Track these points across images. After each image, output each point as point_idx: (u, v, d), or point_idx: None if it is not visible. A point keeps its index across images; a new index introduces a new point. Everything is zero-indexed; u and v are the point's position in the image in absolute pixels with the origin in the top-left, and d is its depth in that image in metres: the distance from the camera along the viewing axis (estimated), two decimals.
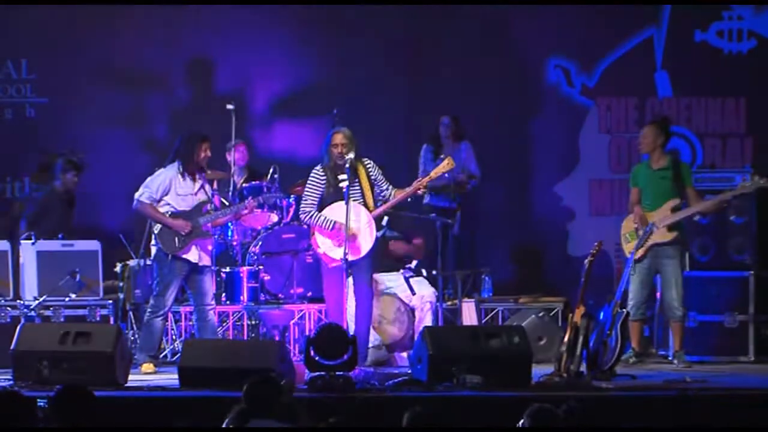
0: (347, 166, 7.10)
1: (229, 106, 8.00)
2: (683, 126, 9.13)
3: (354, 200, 7.11)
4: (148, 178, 7.25)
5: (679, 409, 6.09)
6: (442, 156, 8.28)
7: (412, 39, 9.38)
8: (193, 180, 7.14)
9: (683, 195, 7.63)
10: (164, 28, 9.31)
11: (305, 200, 7.31)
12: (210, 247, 7.40)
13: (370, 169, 7.25)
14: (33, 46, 9.33)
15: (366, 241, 7.21)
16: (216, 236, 7.76)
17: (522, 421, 4.28)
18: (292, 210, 8.13)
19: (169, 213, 7.12)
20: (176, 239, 7.09)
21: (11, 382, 6.30)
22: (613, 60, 9.38)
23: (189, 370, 6.50)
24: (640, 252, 7.43)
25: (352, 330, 7.15)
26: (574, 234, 9.34)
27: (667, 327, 7.89)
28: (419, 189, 7.36)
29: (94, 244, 7.72)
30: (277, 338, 7.69)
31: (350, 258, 7.06)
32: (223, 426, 4.78)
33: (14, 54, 9.32)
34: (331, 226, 7.06)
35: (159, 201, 7.14)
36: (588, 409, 4.74)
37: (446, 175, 7.94)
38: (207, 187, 7.35)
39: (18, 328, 6.70)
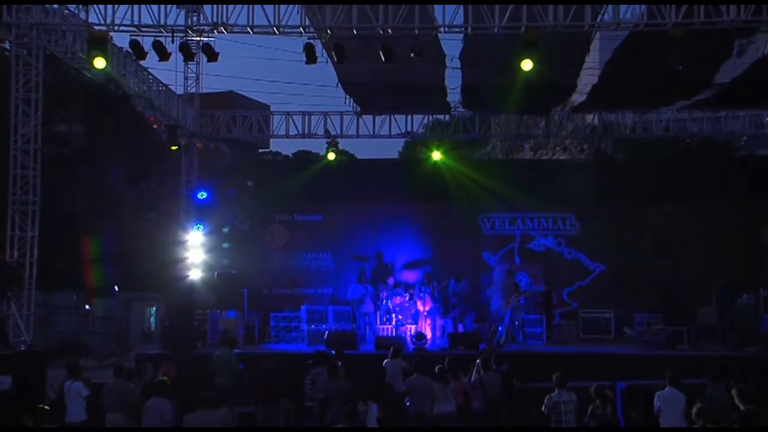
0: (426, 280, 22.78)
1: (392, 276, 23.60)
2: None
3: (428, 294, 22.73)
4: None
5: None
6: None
7: None
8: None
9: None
10: None
11: (414, 291, 22.75)
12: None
13: (434, 285, 22.80)
14: None
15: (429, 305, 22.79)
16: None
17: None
18: (408, 295, 22.84)
19: None
20: None
21: None
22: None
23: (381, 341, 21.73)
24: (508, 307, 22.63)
25: (427, 333, 22.20)
26: (493, 303, 24.15)
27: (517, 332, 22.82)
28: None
29: None
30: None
31: (426, 309, 22.60)
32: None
33: None
34: (423, 301, 22.58)
35: None
36: (498, 355, 18.20)
37: None
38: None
39: None
